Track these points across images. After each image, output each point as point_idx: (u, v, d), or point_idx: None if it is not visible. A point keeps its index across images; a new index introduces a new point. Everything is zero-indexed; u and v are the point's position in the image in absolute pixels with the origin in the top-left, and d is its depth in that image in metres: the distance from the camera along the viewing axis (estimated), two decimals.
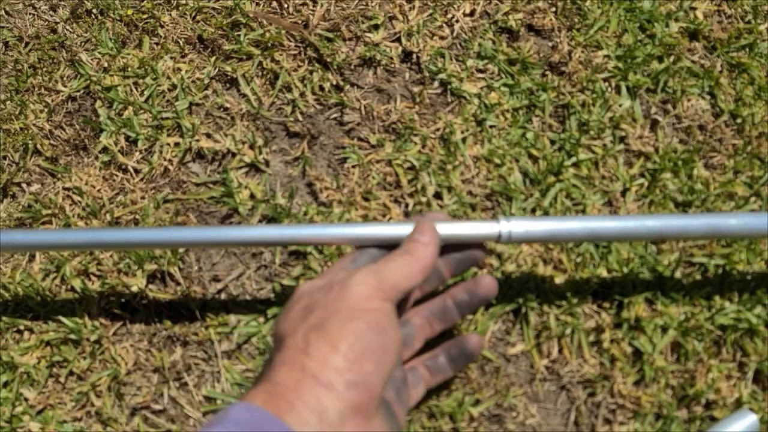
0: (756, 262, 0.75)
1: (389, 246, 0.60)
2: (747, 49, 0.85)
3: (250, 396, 0.47)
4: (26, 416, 0.66)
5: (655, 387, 0.70)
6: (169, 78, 0.79)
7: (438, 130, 0.79)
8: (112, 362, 0.68)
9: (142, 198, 0.74)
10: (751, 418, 0.67)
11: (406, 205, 0.75)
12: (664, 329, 0.72)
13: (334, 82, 0.80)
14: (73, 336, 0.68)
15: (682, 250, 0.75)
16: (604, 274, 0.73)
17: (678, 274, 0.74)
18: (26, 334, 0.68)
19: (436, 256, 0.58)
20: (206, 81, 0.79)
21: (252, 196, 0.74)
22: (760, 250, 0.75)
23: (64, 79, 0.79)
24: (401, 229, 0.61)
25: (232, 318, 0.70)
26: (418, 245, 0.57)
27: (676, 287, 0.73)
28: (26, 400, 0.66)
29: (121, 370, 0.68)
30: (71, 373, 0.67)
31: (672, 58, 0.83)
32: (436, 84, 0.81)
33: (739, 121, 0.81)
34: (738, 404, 0.70)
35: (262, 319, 0.70)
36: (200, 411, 0.67)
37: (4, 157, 0.75)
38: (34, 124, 0.76)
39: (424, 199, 0.75)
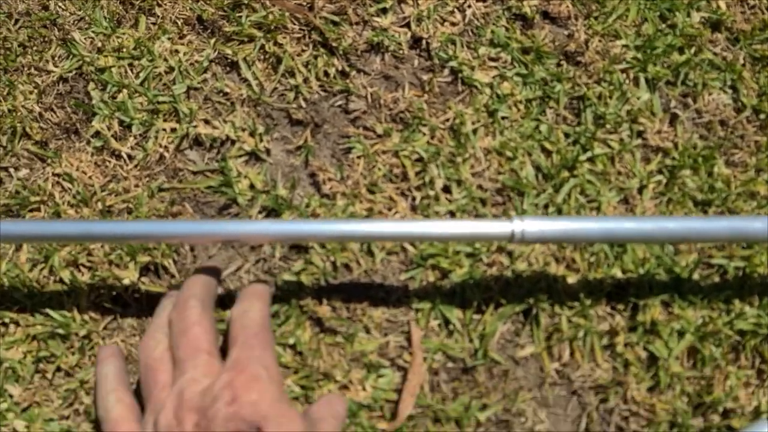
0: None
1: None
2: None
3: None
4: (11, 413, 0.62)
5: (670, 394, 0.67)
6: (166, 60, 0.75)
7: (447, 120, 0.75)
8: None
9: (136, 186, 0.70)
10: None
11: (413, 199, 0.72)
12: (681, 334, 0.69)
13: (340, 68, 0.76)
14: (61, 330, 0.64)
15: (700, 251, 0.72)
16: (619, 274, 0.70)
17: (696, 276, 0.71)
18: (12, 327, 0.65)
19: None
20: (205, 64, 0.75)
21: (252, 186, 0.71)
22: None
23: (56, 58, 0.75)
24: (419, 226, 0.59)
25: (229, 314, 0.67)
26: None
27: (694, 290, 0.70)
28: (11, 396, 0.63)
29: None
30: (59, 369, 0.64)
31: (693, 50, 0.80)
32: (446, 72, 0.77)
33: (762, 116, 0.77)
34: (756, 413, 0.67)
35: None
36: None
37: None
38: (23, 106, 0.72)
39: (432, 193, 0.71)
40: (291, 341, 0.65)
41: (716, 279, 0.71)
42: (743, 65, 0.80)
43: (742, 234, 0.62)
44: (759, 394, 0.68)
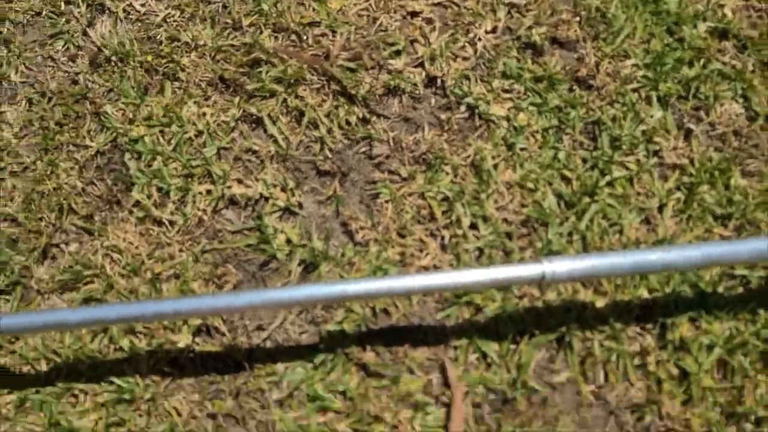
0: None
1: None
2: None
3: None
4: None
5: (703, 406, 0.70)
6: (194, 124, 0.78)
7: (468, 157, 0.78)
8: (167, 416, 0.69)
9: (180, 251, 0.74)
10: None
11: (442, 238, 0.75)
12: (710, 348, 0.72)
13: (361, 115, 0.79)
14: (126, 396, 0.69)
15: (724, 265, 0.74)
16: (646, 294, 0.73)
17: (720, 290, 0.74)
18: (81, 397, 0.70)
19: None
20: (232, 124, 0.78)
21: (288, 241, 0.75)
22: None
23: (91, 133, 0.79)
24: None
25: (280, 366, 0.71)
26: None
27: (719, 303, 0.73)
28: None
29: (179, 422, 0.69)
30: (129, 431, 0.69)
31: (702, 62, 0.81)
32: (462, 108, 0.80)
33: None
34: None
35: (309, 365, 0.71)
36: None
37: (41, 219, 0.75)
38: (66, 183, 0.77)
39: (459, 231, 0.75)
40: (340, 388, 0.70)
41: (740, 290, 0.74)
42: (753, 72, 0.82)
43: (764, 255, 0.64)
44: None
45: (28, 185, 0.76)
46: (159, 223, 0.75)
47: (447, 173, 0.77)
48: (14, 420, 0.68)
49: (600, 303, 0.73)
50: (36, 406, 0.69)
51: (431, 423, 0.69)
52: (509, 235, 0.75)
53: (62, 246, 0.75)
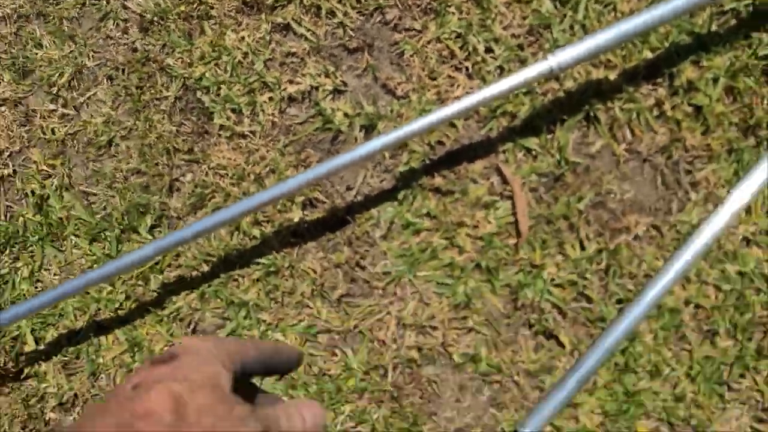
0: None
1: None
2: None
3: None
4: (269, 332, 0.90)
5: (720, 130, 0.83)
6: (238, 49, 0.93)
7: None
8: (306, 274, 0.91)
9: (268, 152, 0.92)
10: None
11: (466, 69, 0.89)
12: (715, 80, 0.83)
13: None
14: (272, 269, 0.90)
15: (711, 4, 0.84)
16: (649, 55, 0.85)
17: (714, 28, 0.84)
18: (240, 280, 0.92)
19: None
20: (267, 37, 0.93)
21: (346, 115, 0.91)
22: None
23: (165, 85, 0.96)
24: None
25: (374, 211, 0.90)
26: None
27: (715, 40, 0.84)
28: (264, 321, 0.91)
29: (317, 276, 0.90)
30: (283, 293, 0.91)
31: None
32: None
33: None
34: None
35: (395, 203, 0.89)
36: (379, 289, 0.89)
37: (157, 164, 0.95)
38: (163, 131, 0.95)
39: (478, 58, 0.88)
40: (424, 211, 0.88)
41: (733, 22, 0.84)
42: None
43: None
44: None
45: (137, 142, 0.96)
46: (243, 136, 0.93)
47: (453, 13, 0.89)
48: (202, 308, 0.92)
49: (612, 75, 0.85)
50: (212, 294, 0.92)
51: (502, 214, 0.86)
52: (520, 47, 0.87)
53: (181, 178, 0.95)
